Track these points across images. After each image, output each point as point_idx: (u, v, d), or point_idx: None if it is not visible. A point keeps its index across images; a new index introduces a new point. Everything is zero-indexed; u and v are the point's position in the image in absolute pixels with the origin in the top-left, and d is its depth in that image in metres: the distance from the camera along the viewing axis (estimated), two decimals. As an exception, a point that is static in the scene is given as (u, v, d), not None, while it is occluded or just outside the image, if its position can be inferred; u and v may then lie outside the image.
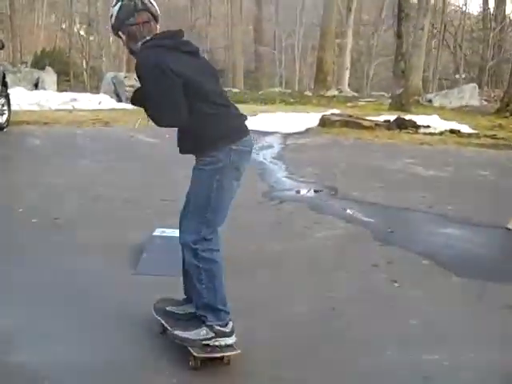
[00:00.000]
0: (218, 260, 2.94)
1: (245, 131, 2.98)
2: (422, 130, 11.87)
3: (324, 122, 11.82)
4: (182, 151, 2.98)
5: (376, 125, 11.71)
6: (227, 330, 2.89)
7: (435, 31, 30.68)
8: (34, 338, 3.10)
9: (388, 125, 11.86)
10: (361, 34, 37.02)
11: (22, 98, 13.96)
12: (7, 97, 10.33)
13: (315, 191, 6.68)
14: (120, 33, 2.93)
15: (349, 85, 25.66)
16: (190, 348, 2.89)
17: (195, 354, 2.86)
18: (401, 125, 11.90)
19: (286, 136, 10.93)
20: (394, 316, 3.55)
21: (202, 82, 2.87)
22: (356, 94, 21.65)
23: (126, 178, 6.88)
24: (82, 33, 40.92)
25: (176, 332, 2.95)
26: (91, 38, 39.19)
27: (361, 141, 10.62)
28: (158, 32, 2.94)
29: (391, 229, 5.34)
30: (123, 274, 3.96)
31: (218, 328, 2.87)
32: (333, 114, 12.60)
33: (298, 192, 6.72)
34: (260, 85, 35.23)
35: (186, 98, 2.78)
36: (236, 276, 4.00)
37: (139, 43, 2.89)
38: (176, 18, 37.74)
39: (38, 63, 27.37)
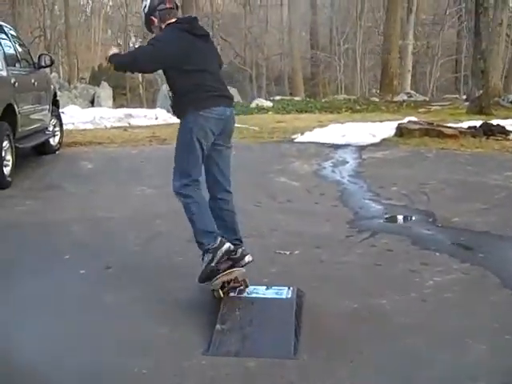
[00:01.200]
0: (198, 200, 3.62)
1: (215, 103, 3.64)
2: (512, 137, 10.58)
3: (401, 132, 10.64)
4: (174, 113, 3.86)
5: (460, 132, 10.48)
6: (216, 244, 3.53)
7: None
8: None
9: (473, 132, 10.62)
10: (419, 35, 35.48)
11: (76, 117, 13.39)
12: (58, 117, 9.64)
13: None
14: (152, 17, 3.77)
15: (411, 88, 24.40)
16: (208, 284, 3.55)
17: (211, 287, 3.54)
18: (488, 131, 10.61)
19: (361, 149, 9.83)
20: None
21: (199, 62, 3.64)
22: (427, 98, 20.28)
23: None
24: (136, 46, 40.94)
25: (198, 277, 3.60)
26: (146, 51, 39.02)
27: (445, 152, 9.42)
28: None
29: (520, 270, 4.26)
30: (190, 357, 3.00)
31: (212, 247, 3.53)
32: (410, 122, 11.40)
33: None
34: (318, 91, 34.25)
35: (180, 67, 3.61)
36: (334, 356, 2.99)
37: (167, 23, 3.75)
38: (230, 25, 37.13)
39: (96, 79, 27.24)
